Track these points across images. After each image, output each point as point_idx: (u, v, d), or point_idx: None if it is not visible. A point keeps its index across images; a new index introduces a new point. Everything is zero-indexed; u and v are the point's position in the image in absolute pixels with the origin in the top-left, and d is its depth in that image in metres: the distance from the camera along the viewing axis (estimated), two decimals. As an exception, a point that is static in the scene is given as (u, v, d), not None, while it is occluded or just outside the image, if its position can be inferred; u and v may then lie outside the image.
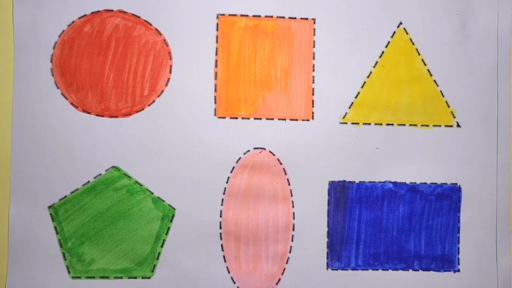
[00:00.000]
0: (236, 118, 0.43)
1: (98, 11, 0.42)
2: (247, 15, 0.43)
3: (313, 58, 0.44)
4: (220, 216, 0.43)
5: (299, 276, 0.44)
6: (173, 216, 0.43)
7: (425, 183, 0.44)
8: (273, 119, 0.43)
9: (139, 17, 0.43)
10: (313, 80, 0.44)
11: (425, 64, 0.44)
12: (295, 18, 0.44)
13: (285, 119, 0.44)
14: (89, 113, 0.42)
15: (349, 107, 0.44)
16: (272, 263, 0.43)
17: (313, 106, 0.44)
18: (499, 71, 0.45)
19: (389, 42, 0.44)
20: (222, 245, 0.43)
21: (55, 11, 0.42)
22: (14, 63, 0.42)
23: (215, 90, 0.43)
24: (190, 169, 0.43)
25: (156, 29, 0.43)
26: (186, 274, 0.43)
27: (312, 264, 0.44)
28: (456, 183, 0.45)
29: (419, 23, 0.44)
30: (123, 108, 0.42)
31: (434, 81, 0.45)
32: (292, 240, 0.44)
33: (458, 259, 0.45)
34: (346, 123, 0.44)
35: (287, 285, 0.43)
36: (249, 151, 0.43)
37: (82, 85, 0.42)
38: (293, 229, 0.44)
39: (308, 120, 0.44)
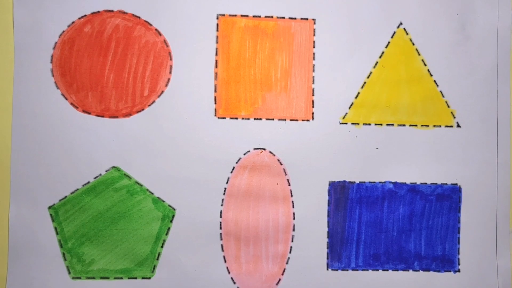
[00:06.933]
0: (236, 118, 0.43)
1: (98, 12, 0.42)
2: (247, 16, 0.43)
3: (313, 58, 0.44)
4: (220, 217, 0.43)
5: (299, 276, 0.44)
6: (173, 217, 0.43)
7: (425, 183, 0.44)
8: (273, 119, 0.43)
9: (139, 17, 0.43)
10: (313, 80, 0.44)
11: (425, 64, 0.44)
12: (295, 18, 0.44)
13: (285, 120, 0.44)
14: (89, 113, 0.42)
15: (349, 107, 0.44)
16: (272, 264, 0.43)
17: (313, 106, 0.44)
18: (499, 71, 0.45)
19: (389, 42, 0.44)
20: (222, 245, 0.43)
21: (55, 12, 0.42)
22: (14, 64, 0.42)
23: (215, 91, 0.43)
24: (190, 169, 0.43)
25: (156, 30, 0.43)
26: (186, 275, 0.43)
27: (312, 265, 0.44)
28: (456, 184, 0.45)
29: (419, 24, 0.44)
30: (123, 109, 0.42)
31: (434, 81, 0.45)
32: (292, 241, 0.44)
33: (458, 259, 0.45)
34: (346, 123, 0.44)
35: (287, 285, 0.43)
36: (249, 151, 0.43)
37: (82, 86, 0.42)
38: (293, 230, 0.43)
39: (308, 120, 0.44)
